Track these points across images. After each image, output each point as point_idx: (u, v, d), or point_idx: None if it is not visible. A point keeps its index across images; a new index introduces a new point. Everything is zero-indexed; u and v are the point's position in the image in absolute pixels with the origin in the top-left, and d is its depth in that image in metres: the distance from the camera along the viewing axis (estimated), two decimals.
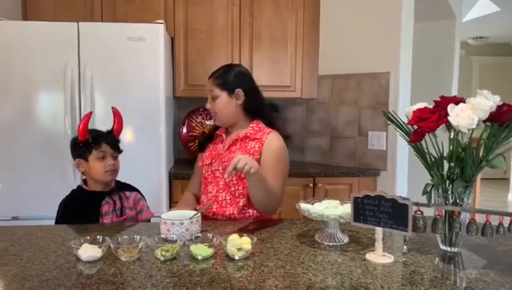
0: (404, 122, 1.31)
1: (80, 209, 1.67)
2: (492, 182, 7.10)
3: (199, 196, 1.85)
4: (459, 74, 4.22)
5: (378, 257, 1.21)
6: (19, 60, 2.47)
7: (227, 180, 1.68)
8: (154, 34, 2.55)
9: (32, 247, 1.30)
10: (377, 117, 2.98)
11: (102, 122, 2.45)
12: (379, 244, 1.22)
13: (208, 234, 1.30)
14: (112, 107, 1.78)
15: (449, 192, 1.25)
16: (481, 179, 5.56)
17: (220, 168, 1.73)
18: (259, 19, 3.09)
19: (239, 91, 1.75)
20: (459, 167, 1.23)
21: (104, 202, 1.70)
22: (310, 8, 3.14)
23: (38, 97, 2.51)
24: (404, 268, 1.15)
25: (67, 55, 2.49)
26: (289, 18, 3.12)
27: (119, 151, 1.76)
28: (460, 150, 1.22)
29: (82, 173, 1.77)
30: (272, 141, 1.72)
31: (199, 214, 1.44)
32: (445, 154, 1.26)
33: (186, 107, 3.31)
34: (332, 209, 1.38)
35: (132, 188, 1.82)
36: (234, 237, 1.24)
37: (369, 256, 1.22)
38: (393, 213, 1.19)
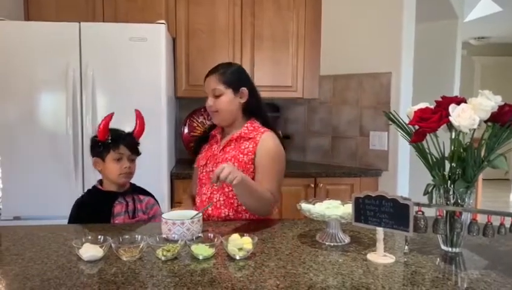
0: (405, 123, 1.31)
1: (93, 210, 1.68)
2: (494, 182, 7.08)
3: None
4: (461, 74, 4.21)
5: (380, 257, 1.21)
6: (20, 60, 2.48)
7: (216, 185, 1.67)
8: (156, 34, 2.55)
9: (34, 247, 1.31)
10: (378, 117, 2.98)
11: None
12: (380, 245, 1.22)
13: (209, 234, 1.31)
14: (135, 110, 1.77)
15: (450, 192, 1.24)
16: (483, 179, 5.56)
17: (215, 169, 1.70)
18: (260, 19, 3.09)
19: (244, 90, 1.73)
20: (461, 167, 1.23)
21: (116, 202, 1.69)
22: (312, 8, 3.14)
23: (40, 97, 2.52)
24: (406, 268, 1.15)
25: (69, 55, 2.49)
26: (290, 18, 3.12)
27: (137, 154, 1.75)
28: (461, 150, 1.22)
29: (98, 171, 1.77)
30: (266, 140, 1.69)
31: (200, 214, 1.45)
32: (446, 155, 1.26)
33: (187, 107, 3.31)
34: (334, 209, 1.38)
35: (147, 193, 1.82)
36: (235, 237, 1.24)
37: (370, 256, 1.22)
38: (395, 213, 1.19)
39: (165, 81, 2.59)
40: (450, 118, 1.18)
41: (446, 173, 1.26)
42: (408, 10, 2.91)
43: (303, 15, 3.13)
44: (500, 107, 1.20)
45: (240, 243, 1.21)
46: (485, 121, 1.21)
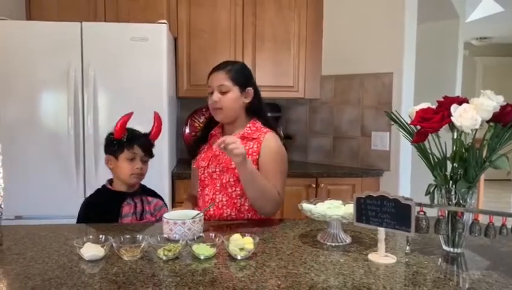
0: (407, 123, 1.31)
1: (102, 209, 1.68)
2: (496, 183, 7.07)
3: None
4: (463, 74, 4.21)
5: (381, 257, 1.21)
6: (22, 60, 2.48)
7: (224, 181, 1.67)
8: (157, 34, 2.56)
9: (35, 246, 1.31)
10: (380, 117, 2.98)
11: (105, 122, 2.50)
12: (382, 245, 1.22)
13: (210, 234, 1.30)
14: (154, 112, 1.78)
15: (452, 192, 1.24)
16: (485, 180, 5.55)
17: (217, 170, 1.69)
18: (262, 19, 3.09)
19: (250, 90, 1.72)
20: (462, 167, 1.22)
21: (125, 203, 1.69)
22: (313, 9, 3.14)
23: (42, 97, 2.52)
24: (407, 269, 1.15)
25: (71, 55, 2.50)
26: (292, 18, 3.12)
27: (150, 156, 1.75)
28: (463, 150, 1.22)
29: (110, 169, 1.76)
30: (270, 141, 1.69)
31: (201, 213, 1.44)
32: (448, 155, 1.26)
33: (188, 107, 3.31)
34: (335, 209, 1.38)
35: (155, 195, 1.82)
36: (236, 237, 1.23)
37: (372, 256, 1.22)
38: (396, 213, 1.19)
39: (166, 81, 2.59)
40: (452, 118, 1.18)
41: (448, 173, 1.26)
42: (410, 10, 2.91)
43: (304, 15, 3.13)
44: (502, 108, 1.19)
45: (241, 243, 1.21)
46: (487, 121, 1.21)
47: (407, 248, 1.27)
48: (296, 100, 3.39)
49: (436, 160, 1.27)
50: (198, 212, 1.48)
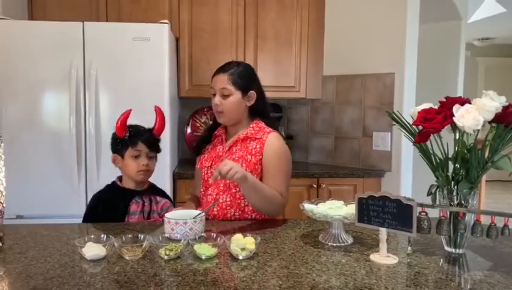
0: (409, 123, 1.31)
1: (110, 205, 1.68)
2: (498, 184, 7.06)
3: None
4: (465, 75, 4.20)
5: (383, 257, 1.20)
6: (24, 60, 2.49)
7: (228, 181, 1.66)
8: (159, 34, 2.56)
9: (37, 245, 1.31)
10: (381, 118, 2.98)
11: (106, 122, 2.50)
12: (383, 245, 1.22)
13: (212, 234, 1.30)
14: (155, 106, 1.77)
15: (454, 193, 1.24)
16: (487, 181, 5.54)
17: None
18: (263, 19, 3.09)
19: (252, 94, 1.71)
20: (464, 168, 1.22)
21: (133, 201, 1.70)
22: (315, 8, 3.14)
23: (44, 96, 2.52)
24: (409, 269, 1.15)
25: (73, 54, 2.50)
26: (294, 18, 3.12)
27: (156, 151, 1.75)
28: (465, 151, 1.22)
29: (118, 168, 1.77)
30: (273, 141, 1.68)
31: (203, 213, 1.44)
32: (450, 155, 1.25)
33: (190, 107, 3.31)
34: (337, 209, 1.38)
35: (164, 195, 1.82)
36: (238, 237, 1.23)
37: (373, 257, 1.22)
38: (398, 214, 1.18)
39: (168, 81, 2.59)
40: (454, 118, 1.18)
41: (450, 173, 1.26)
42: (412, 11, 2.91)
43: (306, 15, 3.12)
44: (505, 108, 1.19)
45: (242, 243, 1.21)
46: (489, 122, 1.21)
47: (409, 248, 1.27)
48: (298, 100, 3.39)
49: (438, 160, 1.27)
50: (200, 211, 1.48)
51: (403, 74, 2.90)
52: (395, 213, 1.19)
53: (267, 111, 1.81)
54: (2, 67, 2.47)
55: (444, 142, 1.25)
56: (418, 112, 1.25)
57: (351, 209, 1.36)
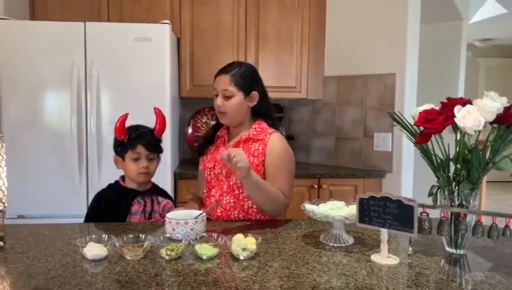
0: (410, 124, 1.31)
1: (112, 204, 1.69)
2: (499, 184, 7.05)
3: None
4: (466, 75, 4.20)
5: (384, 258, 1.20)
6: (25, 60, 2.49)
7: (231, 183, 1.67)
8: (160, 34, 2.56)
9: (38, 245, 1.31)
10: (382, 118, 2.98)
11: (108, 122, 2.50)
12: (384, 246, 1.22)
13: (213, 234, 1.30)
14: (155, 108, 1.76)
15: (455, 194, 1.24)
16: (488, 181, 5.53)
17: (223, 171, 1.68)
18: (265, 19, 3.09)
19: (255, 94, 1.71)
20: (465, 168, 1.22)
21: (135, 201, 1.70)
22: (316, 9, 3.14)
23: (45, 96, 2.53)
24: (410, 270, 1.15)
25: (74, 54, 2.50)
26: (295, 19, 3.12)
27: (158, 152, 1.75)
28: (466, 151, 1.22)
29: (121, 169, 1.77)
30: (275, 142, 1.68)
31: (204, 213, 1.45)
32: (451, 156, 1.25)
33: (191, 107, 3.31)
34: (338, 210, 1.38)
35: (166, 195, 1.82)
36: (239, 237, 1.24)
37: (374, 257, 1.22)
38: (399, 214, 1.18)
39: (169, 81, 2.59)
40: (455, 119, 1.18)
41: (451, 174, 1.26)
42: (413, 11, 2.91)
43: (307, 16, 3.13)
44: (506, 109, 1.19)
45: (243, 243, 1.21)
46: (491, 123, 1.21)
47: (410, 249, 1.27)
48: (299, 101, 3.39)
49: (439, 161, 1.27)
50: (201, 212, 1.49)
51: (404, 74, 2.90)
52: (396, 214, 1.19)
53: (269, 112, 1.80)
54: (3, 67, 2.48)
55: (445, 143, 1.25)
56: (419, 113, 1.25)
57: (352, 210, 1.36)
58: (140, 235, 1.29)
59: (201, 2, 3.04)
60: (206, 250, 1.20)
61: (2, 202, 1.32)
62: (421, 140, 1.24)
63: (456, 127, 1.21)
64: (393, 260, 1.20)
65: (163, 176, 2.58)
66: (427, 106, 1.27)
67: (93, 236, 1.26)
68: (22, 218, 2.51)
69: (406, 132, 1.32)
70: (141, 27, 2.56)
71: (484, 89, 1.24)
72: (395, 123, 1.34)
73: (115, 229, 1.50)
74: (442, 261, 1.22)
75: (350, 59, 3.12)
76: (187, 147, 3.26)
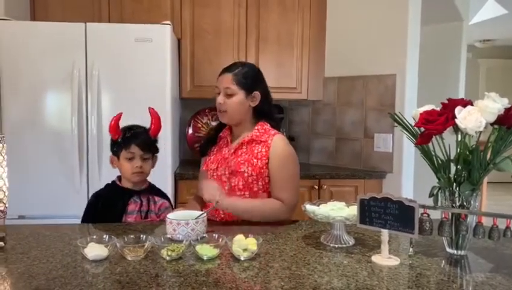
0: (410, 124, 1.31)
1: (109, 203, 1.70)
2: (500, 185, 7.05)
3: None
4: (466, 76, 4.20)
5: (384, 259, 1.20)
6: (26, 60, 2.49)
7: (233, 185, 1.67)
8: (161, 35, 2.56)
9: (39, 245, 1.31)
10: (383, 119, 2.98)
11: (108, 122, 2.49)
12: (385, 247, 1.22)
13: (214, 235, 1.31)
14: (149, 108, 1.77)
15: (456, 195, 1.24)
16: (488, 182, 5.53)
17: (226, 172, 1.69)
18: (265, 20, 3.10)
19: (256, 94, 1.71)
20: (466, 169, 1.22)
21: (131, 200, 1.71)
22: (316, 10, 3.14)
23: (46, 97, 2.53)
24: (410, 271, 1.15)
25: (75, 55, 2.50)
26: (295, 20, 3.12)
27: (152, 152, 1.75)
28: (467, 152, 1.22)
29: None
30: (278, 144, 1.67)
31: (205, 214, 1.45)
32: (452, 157, 1.25)
33: (191, 107, 3.31)
34: (338, 211, 1.38)
35: (163, 195, 1.83)
36: (240, 238, 1.24)
37: (375, 258, 1.22)
38: (400, 215, 1.19)
39: (169, 82, 2.59)
40: (456, 120, 1.18)
41: (452, 175, 1.26)
42: (413, 12, 2.91)
43: (308, 17, 3.13)
44: (507, 110, 1.19)
45: (244, 244, 1.21)
46: (491, 124, 1.21)
47: (411, 249, 1.27)
48: (299, 102, 3.39)
49: (440, 162, 1.27)
50: (202, 212, 1.49)
51: (405, 75, 2.90)
52: (396, 215, 1.19)
53: (272, 112, 1.80)
54: (4, 67, 2.48)
55: (446, 144, 1.25)
56: (420, 114, 1.25)
57: (352, 211, 1.36)
58: (141, 235, 1.29)
59: (202, 3, 3.04)
60: (206, 251, 1.20)
61: (3, 203, 1.32)
62: (421, 141, 1.24)
63: (457, 128, 1.21)
64: (394, 261, 1.20)
65: (164, 177, 2.58)
66: (428, 107, 1.27)
67: (94, 237, 1.27)
68: (23, 218, 2.51)
69: (406, 132, 1.32)
70: (142, 28, 2.56)
71: (484, 90, 1.24)
72: (396, 124, 1.34)
73: (116, 229, 1.50)
74: (443, 262, 1.22)
75: (350, 60, 3.13)
76: (187, 147, 3.26)
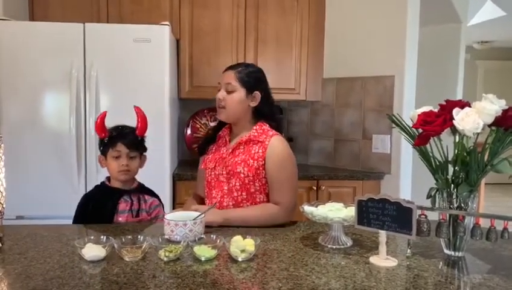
0: (409, 126, 1.31)
1: (99, 203, 1.70)
2: (498, 187, 7.06)
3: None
4: (464, 78, 4.21)
5: (382, 260, 1.21)
6: (25, 60, 2.49)
7: (231, 185, 1.67)
8: (160, 35, 2.56)
9: (37, 246, 1.31)
10: (381, 120, 2.98)
11: (107, 123, 2.49)
12: (383, 248, 1.22)
13: (212, 235, 1.30)
14: (135, 107, 1.77)
15: (454, 196, 1.24)
16: (486, 184, 5.54)
17: (224, 172, 1.69)
18: (264, 21, 3.10)
19: (257, 94, 1.71)
20: (464, 171, 1.22)
21: (122, 200, 1.71)
22: (315, 11, 3.15)
23: (44, 97, 2.53)
24: (408, 272, 1.15)
25: (73, 55, 2.50)
26: (294, 21, 3.12)
27: (139, 151, 1.75)
28: (465, 154, 1.22)
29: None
30: (275, 145, 1.66)
31: (203, 215, 1.44)
32: (450, 158, 1.26)
33: (190, 108, 3.31)
34: (336, 212, 1.38)
35: (153, 194, 1.83)
36: (238, 239, 1.24)
37: (373, 259, 1.22)
38: (398, 216, 1.19)
39: (168, 83, 2.59)
40: (453, 121, 1.18)
41: (449, 176, 1.26)
42: (412, 14, 2.91)
43: (306, 18, 3.13)
44: (504, 111, 1.20)
45: (242, 245, 1.21)
46: (489, 125, 1.21)
47: (408, 251, 1.27)
48: (298, 102, 3.39)
49: (437, 163, 1.27)
50: (200, 213, 1.49)
51: (403, 76, 2.90)
52: (394, 216, 1.19)
53: (273, 114, 1.80)
54: (3, 67, 2.47)
55: (444, 145, 1.26)
56: (418, 115, 1.25)
57: (350, 212, 1.36)
58: (139, 236, 1.29)
59: (201, 3, 3.04)
60: (204, 251, 1.20)
61: (1, 203, 1.32)
62: (419, 142, 1.25)
63: (454, 130, 1.21)
64: (392, 262, 1.20)
65: (162, 177, 2.58)
66: (426, 108, 1.27)
67: (92, 237, 1.27)
68: (21, 219, 2.50)
69: (404, 134, 1.33)
70: (141, 28, 2.56)
71: (482, 92, 1.25)
72: (394, 125, 1.34)
73: (113, 230, 1.50)
74: (441, 263, 1.22)
75: (349, 61, 3.13)
76: (186, 148, 3.26)
